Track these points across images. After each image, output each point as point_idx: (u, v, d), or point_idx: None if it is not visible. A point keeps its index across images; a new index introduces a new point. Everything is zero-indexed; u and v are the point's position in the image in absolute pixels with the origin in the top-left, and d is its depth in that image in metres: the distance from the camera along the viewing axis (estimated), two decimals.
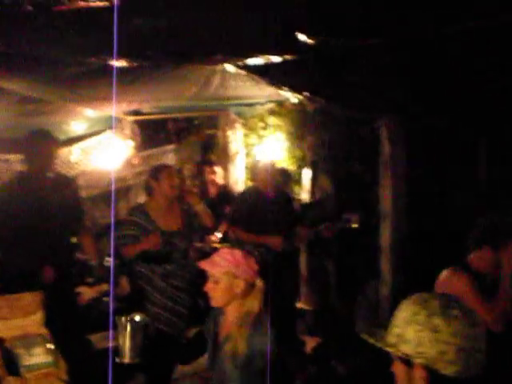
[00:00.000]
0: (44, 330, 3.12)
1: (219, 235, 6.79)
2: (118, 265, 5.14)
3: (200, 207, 4.49)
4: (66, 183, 4.40)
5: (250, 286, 2.72)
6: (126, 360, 2.75)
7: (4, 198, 4.12)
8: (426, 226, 5.50)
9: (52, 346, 2.98)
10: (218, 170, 7.21)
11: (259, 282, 2.75)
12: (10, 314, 3.05)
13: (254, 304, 2.71)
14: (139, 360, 2.80)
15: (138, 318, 2.95)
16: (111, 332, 3.44)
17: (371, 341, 1.76)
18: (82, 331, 4.50)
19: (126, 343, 2.79)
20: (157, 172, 4.44)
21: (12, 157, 7.07)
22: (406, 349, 1.68)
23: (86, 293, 5.28)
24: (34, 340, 3.00)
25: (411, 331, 1.68)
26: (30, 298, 3.12)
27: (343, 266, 6.43)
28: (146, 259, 4.18)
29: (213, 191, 7.25)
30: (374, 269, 5.52)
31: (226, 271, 2.69)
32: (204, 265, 2.79)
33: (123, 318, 2.88)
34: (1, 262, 4.13)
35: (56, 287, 3.74)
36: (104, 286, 5.67)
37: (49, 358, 2.95)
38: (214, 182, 7.20)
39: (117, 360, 2.76)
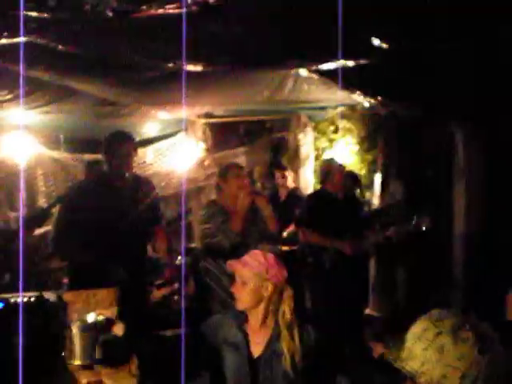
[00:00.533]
0: (118, 326, 3.22)
1: (284, 235, 6.84)
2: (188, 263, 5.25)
3: (268, 211, 4.51)
4: (144, 184, 4.50)
5: (279, 292, 2.62)
6: (78, 362, 2.71)
7: (82, 197, 4.26)
8: (500, 233, 5.34)
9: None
10: (289, 173, 7.23)
11: (288, 289, 2.65)
12: (85, 309, 3.16)
13: (285, 311, 2.60)
14: (90, 361, 2.73)
15: (89, 318, 2.88)
16: (182, 330, 3.51)
17: (386, 352, 1.70)
18: (152, 328, 4.61)
19: (76, 345, 2.74)
20: (225, 171, 4.52)
21: (89, 157, 7.33)
22: (413, 365, 1.60)
23: (157, 291, 5.39)
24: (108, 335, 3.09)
25: (418, 348, 1.60)
26: (104, 294, 3.22)
27: (413, 271, 6.32)
28: (215, 254, 4.26)
29: (283, 194, 7.29)
30: (446, 275, 5.41)
31: (256, 272, 2.60)
32: (233, 265, 2.71)
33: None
34: (77, 258, 4.27)
35: (129, 285, 3.83)
36: (174, 285, 5.79)
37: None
38: (284, 185, 7.24)
39: (68, 362, 2.72)
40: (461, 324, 1.60)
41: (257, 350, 2.61)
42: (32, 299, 3.15)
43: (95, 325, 2.75)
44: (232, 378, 2.64)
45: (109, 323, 2.79)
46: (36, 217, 6.07)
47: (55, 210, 5.14)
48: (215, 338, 2.69)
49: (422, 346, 1.60)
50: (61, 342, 2.93)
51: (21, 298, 3.09)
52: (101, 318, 2.82)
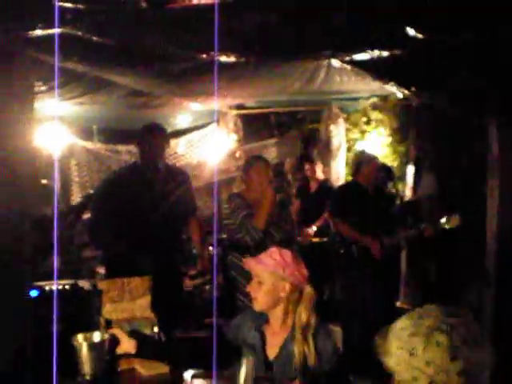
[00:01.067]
0: (150, 314, 3.26)
1: (314, 228, 6.84)
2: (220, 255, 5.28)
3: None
4: (178, 174, 4.54)
5: (298, 292, 2.50)
6: (87, 377, 2.72)
7: (115, 187, 4.32)
8: None
9: (157, 330, 3.11)
10: (318, 165, 7.22)
11: (308, 289, 2.51)
12: (119, 297, 3.21)
13: (301, 312, 2.47)
14: (100, 376, 2.73)
15: (96, 336, 2.89)
16: (214, 319, 3.53)
17: (375, 344, 1.63)
18: (185, 317, 4.65)
19: (85, 362, 2.74)
20: (248, 164, 4.48)
21: (122, 147, 7.40)
22: (390, 362, 1.56)
23: (189, 281, 5.44)
24: (141, 323, 3.14)
25: (394, 346, 1.56)
26: (138, 283, 3.26)
27: (444, 266, 6.26)
28: (239, 249, 4.24)
29: (313, 186, 7.28)
30: (478, 271, 5.34)
31: (272, 271, 2.47)
32: (249, 263, 2.59)
33: (80, 337, 2.83)
34: (111, 248, 4.33)
35: (162, 274, 3.87)
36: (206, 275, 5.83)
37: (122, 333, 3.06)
38: (314, 178, 7.24)
39: (78, 379, 2.72)
40: (439, 325, 1.52)
41: (273, 351, 2.53)
42: (67, 287, 3.21)
43: (102, 343, 2.77)
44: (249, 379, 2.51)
45: (115, 341, 2.81)
46: (74, 208, 6.16)
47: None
48: (236, 339, 2.61)
49: (397, 345, 1.55)
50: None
51: (55, 285, 3.15)
52: (106, 336, 2.85)
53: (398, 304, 6.64)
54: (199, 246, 4.58)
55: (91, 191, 6.61)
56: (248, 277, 4.25)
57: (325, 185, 7.20)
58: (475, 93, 4.52)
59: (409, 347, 1.51)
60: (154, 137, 4.28)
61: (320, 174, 7.31)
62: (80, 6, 2.68)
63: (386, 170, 6.11)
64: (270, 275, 2.47)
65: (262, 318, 2.57)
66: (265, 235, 4.21)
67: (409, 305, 6.69)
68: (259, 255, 2.59)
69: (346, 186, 6.18)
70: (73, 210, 5.29)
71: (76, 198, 7.29)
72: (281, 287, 2.47)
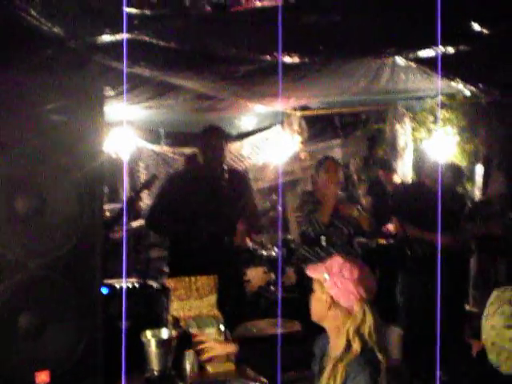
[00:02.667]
0: (217, 312, 3.31)
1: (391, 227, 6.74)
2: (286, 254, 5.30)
3: (355, 213, 4.59)
4: (239, 177, 4.61)
5: (345, 311, 2.22)
6: (155, 373, 2.75)
7: (176, 186, 4.41)
8: None
9: (223, 328, 3.14)
10: (395, 174, 7.14)
11: (358, 312, 2.19)
12: (186, 296, 3.27)
13: (340, 339, 2.20)
14: (167, 373, 2.76)
15: (164, 333, 2.92)
16: (279, 319, 3.56)
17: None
18: (248, 316, 4.69)
19: (153, 358, 2.77)
20: (320, 164, 4.76)
21: (188, 150, 7.52)
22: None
23: (255, 281, 5.48)
24: (208, 321, 3.19)
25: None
26: (205, 281, 3.31)
27: None
28: (310, 242, 4.38)
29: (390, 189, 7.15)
30: None
31: (317, 279, 2.29)
32: (308, 269, 2.38)
33: (148, 334, 2.87)
34: (169, 232, 4.44)
35: (227, 273, 3.92)
36: (272, 275, 5.86)
37: (220, 339, 3.12)
38: (391, 182, 7.13)
39: (146, 375, 2.75)
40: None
41: None
42: (136, 285, 3.29)
43: (170, 340, 2.85)
44: None
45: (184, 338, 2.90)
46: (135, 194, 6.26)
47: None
48: (316, 350, 2.48)
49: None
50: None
51: (124, 284, 3.24)
52: (174, 333, 2.92)
53: (468, 308, 6.48)
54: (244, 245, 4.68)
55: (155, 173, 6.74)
56: None
57: (398, 188, 7.05)
58: None
59: None
60: (213, 139, 4.36)
61: (397, 180, 7.19)
62: (146, 12, 2.75)
63: (454, 169, 5.98)
64: (315, 283, 2.31)
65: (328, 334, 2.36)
66: (330, 228, 4.57)
67: (478, 308, 6.52)
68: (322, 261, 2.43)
69: (412, 186, 6.10)
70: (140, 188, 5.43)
71: (144, 200, 7.45)
72: (324, 299, 2.26)
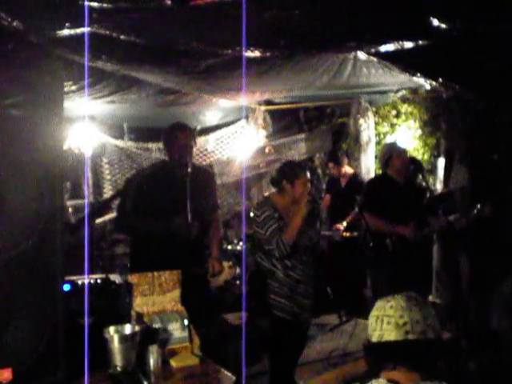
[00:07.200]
0: (180, 307, 3.31)
1: (345, 224, 6.86)
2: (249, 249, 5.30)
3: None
4: (204, 173, 4.60)
5: None
6: (118, 369, 2.76)
7: (142, 185, 4.37)
8: None
9: (187, 323, 3.15)
10: (344, 163, 7.25)
11: None
12: (149, 291, 3.27)
13: None
14: (131, 368, 2.77)
15: (127, 329, 2.94)
16: (243, 313, 3.58)
17: None
18: (215, 311, 4.69)
19: (116, 353, 2.78)
20: (294, 176, 4.30)
21: (152, 145, 7.48)
22: None
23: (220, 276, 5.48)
24: (171, 316, 3.19)
25: None
26: (168, 277, 3.32)
27: (477, 258, 6.18)
28: (269, 257, 4.25)
29: (343, 182, 7.30)
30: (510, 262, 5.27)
31: None
32: None
33: (111, 330, 2.89)
34: (139, 242, 4.40)
35: (191, 268, 3.92)
36: (237, 269, 5.88)
37: (184, 334, 3.12)
38: (343, 175, 7.26)
39: (109, 371, 2.74)
40: None
41: None
42: (98, 281, 3.27)
43: (133, 336, 2.85)
44: None
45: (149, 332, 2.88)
46: (98, 208, 6.27)
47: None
48: None
49: None
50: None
51: (86, 279, 3.21)
52: (138, 328, 2.92)
53: (430, 298, 6.59)
54: (214, 247, 4.57)
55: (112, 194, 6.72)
56: (278, 278, 4.30)
57: (354, 180, 7.20)
58: (504, 83, 4.46)
59: None
60: (179, 135, 4.33)
61: (348, 170, 7.32)
62: (105, 5, 2.72)
63: (415, 163, 6.07)
64: None
65: None
66: (295, 245, 4.18)
67: (440, 299, 6.63)
68: None
69: (376, 179, 6.16)
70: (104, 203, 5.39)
71: (108, 195, 7.39)
72: None
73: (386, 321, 1.95)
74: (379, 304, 2.05)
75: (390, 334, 1.92)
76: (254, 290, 4.30)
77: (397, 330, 1.91)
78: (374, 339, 1.96)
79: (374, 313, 2.04)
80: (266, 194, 4.70)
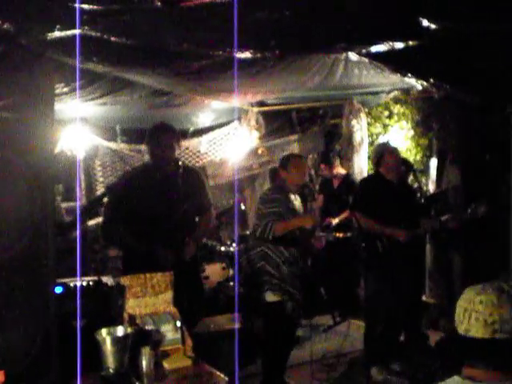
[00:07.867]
0: (173, 309, 3.31)
1: (337, 221, 6.91)
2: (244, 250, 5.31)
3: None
4: (190, 173, 4.54)
5: None
6: (110, 371, 2.75)
7: (127, 186, 4.34)
8: None
9: (179, 324, 3.15)
10: (336, 164, 7.28)
11: None
12: (142, 293, 3.27)
13: None
14: (123, 370, 2.77)
15: (119, 331, 2.93)
16: (236, 314, 3.58)
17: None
18: (208, 312, 4.69)
19: (108, 355, 2.78)
20: (286, 161, 4.72)
21: (145, 147, 7.45)
22: None
23: (214, 277, 5.48)
24: (164, 317, 3.19)
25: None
26: (160, 278, 3.32)
27: (469, 258, 6.21)
28: (278, 242, 4.37)
29: (336, 182, 7.32)
30: (503, 262, 5.30)
31: None
32: None
33: (103, 332, 2.88)
34: (129, 244, 4.38)
35: (184, 269, 3.91)
36: (231, 271, 5.88)
37: (176, 335, 3.12)
38: (335, 176, 7.29)
39: (102, 373, 2.74)
40: None
41: None
42: (91, 283, 3.27)
43: (125, 338, 2.84)
44: None
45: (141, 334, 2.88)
46: (86, 208, 6.25)
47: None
48: None
49: None
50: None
51: (79, 282, 3.21)
52: (130, 330, 2.91)
53: (424, 298, 6.60)
54: (197, 229, 4.53)
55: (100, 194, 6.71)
56: (279, 269, 4.39)
57: (347, 180, 7.21)
58: (496, 83, 4.48)
59: None
60: (161, 136, 4.30)
61: (340, 171, 7.34)
62: (96, 7, 2.72)
63: (405, 163, 6.09)
64: None
65: None
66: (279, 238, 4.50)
67: (434, 299, 6.65)
68: None
69: (368, 178, 6.16)
70: (92, 204, 5.37)
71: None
72: None
73: (474, 316, 1.87)
74: (468, 295, 1.94)
75: (478, 331, 1.85)
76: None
77: (485, 328, 1.85)
78: (461, 331, 1.91)
79: (462, 303, 1.94)
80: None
